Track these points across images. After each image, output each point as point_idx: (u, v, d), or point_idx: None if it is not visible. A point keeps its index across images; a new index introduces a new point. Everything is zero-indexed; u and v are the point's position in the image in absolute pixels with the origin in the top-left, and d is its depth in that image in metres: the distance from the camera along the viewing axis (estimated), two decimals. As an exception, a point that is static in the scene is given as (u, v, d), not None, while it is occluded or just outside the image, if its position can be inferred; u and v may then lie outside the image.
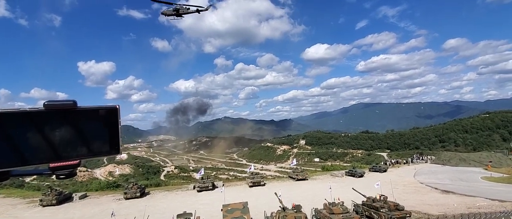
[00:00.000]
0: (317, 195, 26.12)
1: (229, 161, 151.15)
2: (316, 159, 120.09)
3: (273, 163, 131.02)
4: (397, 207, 19.51)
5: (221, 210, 18.63)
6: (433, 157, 63.20)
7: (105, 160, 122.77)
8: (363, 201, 21.86)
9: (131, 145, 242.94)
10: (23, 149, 1.07)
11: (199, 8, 34.62)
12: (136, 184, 34.35)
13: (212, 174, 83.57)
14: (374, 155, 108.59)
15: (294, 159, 50.08)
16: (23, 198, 34.49)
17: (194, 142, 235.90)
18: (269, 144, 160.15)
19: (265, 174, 72.56)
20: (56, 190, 32.25)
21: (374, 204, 20.38)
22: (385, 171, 45.13)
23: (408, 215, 19.26)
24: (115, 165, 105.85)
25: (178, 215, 18.75)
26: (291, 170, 46.62)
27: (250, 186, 35.94)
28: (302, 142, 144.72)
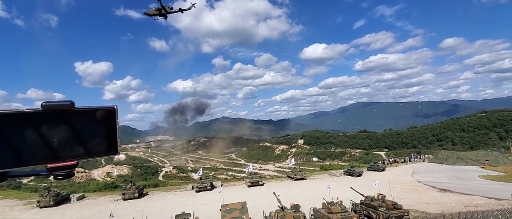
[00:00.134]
0: (316, 195, 26.19)
1: (228, 161, 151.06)
2: (315, 159, 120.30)
3: (272, 163, 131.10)
4: (395, 206, 19.60)
5: (220, 210, 18.60)
6: (430, 156, 63.57)
7: (103, 161, 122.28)
8: (361, 200, 21.95)
9: (129, 145, 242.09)
10: (20, 150, 1.06)
11: (182, 8, 34.54)
12: (134, 184, 34.23)
13: (211, 174, 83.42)
14: (372, 154, 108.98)
15: (293, 159, 50.19)
16: (20, 199, 34.26)
17: (192, 142, 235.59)
18: (267, 144, 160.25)
19: (263, 174, 72.53)
20: (53, 191, 32.06)
21: (372, 203, 20.46)
22: (383, 170, 45.29)
23: (406, 213, 19.34)
24: (113, 165, 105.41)
25: (177, 216, 18.70)
26: (289, 170, 46.67)
27: (249, 186, 35.95)
28: (301, 141, 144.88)
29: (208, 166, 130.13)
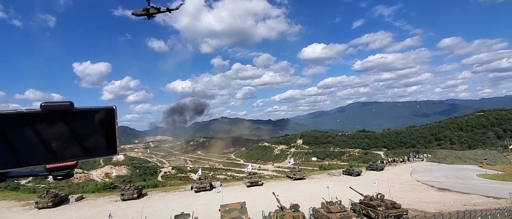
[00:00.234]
0: (315, 194, 26.23)
1: (227, 161, 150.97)
2: (314, 159, 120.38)
3: (271, 162, 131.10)
4: (394, 205, 19.66)
5: (219, 210, 18.61)
6: (429, 155, 63.80)
7: (101, 162, 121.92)
8: (360, 200, 22.00)
9: (128, 146, 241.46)
10: (19, 150, 1.06)
11: (170, 8, 34.47)
12: (133, 185, 34.18)
13: (210, 174, 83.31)
14: (371, 154, 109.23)
15: (292, 159, 50.21)
16: (18, 200, 34.13)
17: (191, 143, 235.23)
18: (266, 144, 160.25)
19: (262, 174, 72.51)
20: (52, 192, 31.94)
21: (371, 202, 20.52)
22: (382, 169, 45.42)
23: (405, 213, 19.41)
24: (112, 166, 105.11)
25: (176, 216, 18.69)
26: (288, 170, 46.70)
27: (248, 186, 35.96)
28: (300, 141, 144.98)
29: (207, 166, 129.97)
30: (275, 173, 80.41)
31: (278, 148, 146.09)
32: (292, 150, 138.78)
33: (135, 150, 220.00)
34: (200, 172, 39.87)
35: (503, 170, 43.66)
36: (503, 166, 48.04)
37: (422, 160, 60.24)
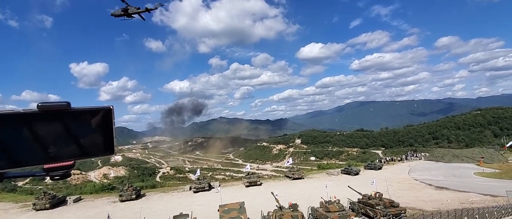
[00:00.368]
0: (314, 194, 26.27)
1: (225, 161, 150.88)
2: (312, 158, 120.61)
3: (269, 162, 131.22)
4: (392, 204, 19.73)
5: (218, 210, 18.59)
6: (426, 154, 63.97)
7: (99, 163, 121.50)
8: (359, 199, 22.06)
9: (126, 146, 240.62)
10: (17, 150, 1.06)
11: (149, 8, 34.21)
12: (131, 186, 34.02)
13: (208, 174, 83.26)
14: (369, 153, 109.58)
15: (290, 158, 50.17)
16: (16, 202, 33.87)
17: (189, 143, 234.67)
18: (265, 144, 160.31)
19: (261, 173, 72.56)
20: (49, 193, 31.70)
21: (369, 201, 20.58)
22: (380, 168, 45.55)
23: (403, 211, 19.48)
24: (110, 167, 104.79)
25: (175, 217, 18.65)
26: (287, 169, 46.73)
27: (247, 186, 35.94)
28: (298, 141, 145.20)
29: (206, 166, 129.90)
30: (273, 173, 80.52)
31: (277, 148, 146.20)
32: (291, 149, 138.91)
33: (133, 151, 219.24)
34: (198, 172, 39.79)
35: (500, 168, 43.94)
36: (500, 164, 48.36)
37: (419, 159, 60.42)
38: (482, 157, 53.19)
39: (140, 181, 60.94)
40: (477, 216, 18.36)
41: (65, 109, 1.15)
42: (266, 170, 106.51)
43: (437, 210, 21.23)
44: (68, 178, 1.26)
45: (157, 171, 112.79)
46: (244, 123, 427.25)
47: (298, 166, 59.19)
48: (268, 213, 19.20)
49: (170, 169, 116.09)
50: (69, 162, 1.18)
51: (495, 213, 19.16)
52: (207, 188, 34.77)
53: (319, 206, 19.95)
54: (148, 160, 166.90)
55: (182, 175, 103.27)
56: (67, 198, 33.19)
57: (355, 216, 18.65)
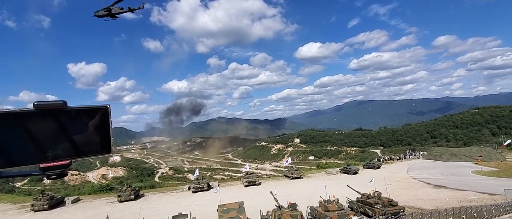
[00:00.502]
0: (312, 193, 26.31)
1: (224, 161, 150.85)
2: (311, 157, 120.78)
3: (268, 162, 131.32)
4: (391, 203, 19.79)
5: (217, 210, 18.58)
6: (425, 153, 64.22)
7: (97, 163, 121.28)
8: (357, 198, 22.11)
9: (124, 147, 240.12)
10: (13, 150, 1.06)
11: (132, 8, 34.11)
12: (130, 186, 33.95)
13: (207, 174, 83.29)
14: (368, 152, 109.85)
15: (289, 158, 50.25)
16: (14, 203, 33.74)
17: (188, 143, 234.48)
18: (264, 143, 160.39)
19: (260, 173, 72.70)
20: (47, 194, 31.62)
21: (368, 200, 20.64)
22: (378, 167, 45.69)
23: (402, 210, 19.55)
24: (108, 167, 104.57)
25: (174, 217, 18.62)
26: (286, 169, 46.78)
27: (246, 186, 35.95)
28: (297, 140, 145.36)
29: (205, 166, 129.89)
30: (272, 173, 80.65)
31: (276, 147, 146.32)
32: (290, 149, 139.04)
33: (132, 151, 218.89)
34: (197, 172, 39.78)
35: (498, 167, 44.21)
36: (498, 163, 48.64)
37: (418, 158, 60.67)
38: (480, 156, 53.47)
39: (138, 182, 60.85)
40: (475, 214, 18.46)
41: (62, 108, 1.14)
42: (265, 169, 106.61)
43: (435, 208, 21.32)
44: (65, 178, 1.26)
45: (155, 171, 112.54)
46: (243, 123, 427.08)
47: (297, 166, 59.20)
48: (267, 212, 19.21)
49: (169, 169, 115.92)
50: (66, 161, 1.18)
51: (493, 211, 19.27)
52: (206, 188, 34.75)
53: (318, 205, 19.98)
54: (146, 161, 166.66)
55: (181, 175, 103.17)
56: (66, 199, 33.08)
57: (354, 215, 18.69)
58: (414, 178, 36.38)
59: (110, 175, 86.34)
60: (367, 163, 49.18)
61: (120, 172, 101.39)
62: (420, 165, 49.26)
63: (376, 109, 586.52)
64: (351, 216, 18.19)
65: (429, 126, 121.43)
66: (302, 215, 17.95)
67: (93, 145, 1.23)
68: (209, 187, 35.36)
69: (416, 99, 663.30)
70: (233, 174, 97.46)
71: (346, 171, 42.44)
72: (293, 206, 18.35)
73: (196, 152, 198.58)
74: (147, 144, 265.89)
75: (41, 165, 1.14)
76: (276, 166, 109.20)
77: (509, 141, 70.57)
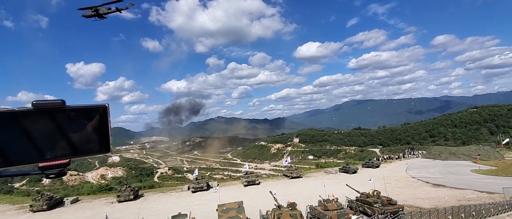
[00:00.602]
0: (312, 192, 26.33)
1: (223, 161, 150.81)
2: (310, 157, 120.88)
3: (268, 161, 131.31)
4: (390, 202, 19.84)
5: (217, 210, 18.58)
6: (424, 152, 64.42)
7: (96, 163, 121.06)
8: (357, 197, 22.17)
9: (123, 147, 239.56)
10: (11, 149, 1.06)
11: (119, 7, 33.86)
12: (129, 186, 33.92)
13: (207, 174, 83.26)
14: (367, 151, 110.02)
15: (288, 157, 50.28)
16: (13, 204, 33.65)
17: (187, 143, 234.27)
18: (263, 143, 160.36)
19: (259, 173, 72.66)
20: (46, 195, 31.56)
21: (367, 199, 20.69)
22: (377, 166, 45.79)
23: (401, 209, 19.60)
24: (107, 168, 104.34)
25: (173, 217, 18.61)
26: (285, 168, 46.81)
27: (245, 185, 35.96)
28: (296, 140, 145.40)
29: (204, 166, 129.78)
30: (272, 172, 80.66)
31: (275, 147, 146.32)
32: (289, 148, 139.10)
33: (131, 151, 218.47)
34: (196, 172, 39.76)
35: (496, 166, 44.35)
36: (496, 162, 48.82)
37: (417, 157, 60.84)
38: (479, 155, 53.66)
39: (138, 182, 60.74)
40: (474, 213, 18.53)
41: (60, 107, 1.14)
42: (264, 169, 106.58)
43: (434, 207, 21.37)
44: (64, 178, 1.26)
45: (155, 171, 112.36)
46: (242, 123, 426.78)
47: (296, 165, 59.27)
48: (267, 212, 19.23)
49: (168, 169, 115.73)
50: (65, 160, 1.18)
51: (492, 209, 19.34)
52: (206, 187, 34.75)
53: (317, 204, 20.00)
54: (146, 161, 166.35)
55: (180, 175, 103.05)
56: (65, 199, 33.02)
57: (353, 214, 18.73)
58: (413, 177, 36.48)
59: (109, 175, 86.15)
60: (366, 162, 49.29)
61: (119, 172, 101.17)
62: (419, 164, 49.40)
63: (375, 108, 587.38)
64: (350, 215, 18.23)
65: (428, 125, 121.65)
66: (301, 214, 17.96)
67: (92, 144, 1.22)
68: (209, 187, 35.37)
69: (414, 98, 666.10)
70: (232, 173, 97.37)
71: (345, 170, 42.52)
72: (292, 206, 18.36)
73: (195, 152, 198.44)
74: (146, 144, 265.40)
75: (40, 165, 1.13)
76: (276, 166, 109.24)
77: (507, 139, 70.94)
